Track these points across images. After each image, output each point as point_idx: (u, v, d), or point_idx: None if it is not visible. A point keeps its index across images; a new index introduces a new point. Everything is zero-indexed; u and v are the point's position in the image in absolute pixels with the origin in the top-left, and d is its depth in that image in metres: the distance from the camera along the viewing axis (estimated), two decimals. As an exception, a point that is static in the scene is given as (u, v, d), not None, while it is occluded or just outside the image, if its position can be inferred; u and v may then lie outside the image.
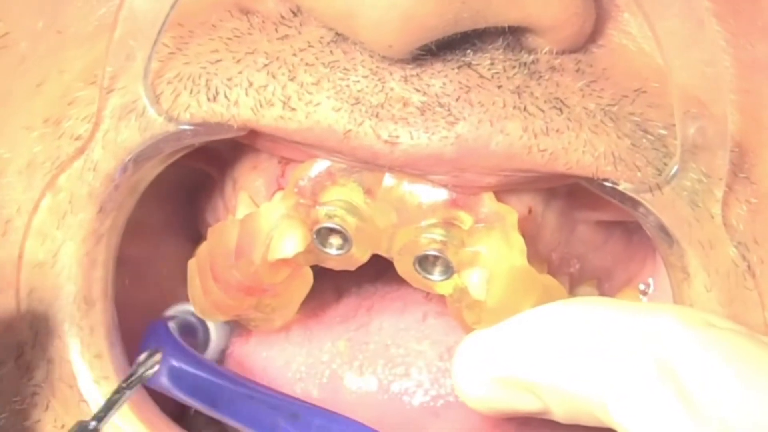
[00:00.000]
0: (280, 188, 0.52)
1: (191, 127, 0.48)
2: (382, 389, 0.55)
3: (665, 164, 0.47)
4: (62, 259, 0.51)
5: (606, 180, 0.47)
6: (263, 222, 0.51)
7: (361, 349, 0.56)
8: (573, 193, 0.52)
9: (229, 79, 0.47)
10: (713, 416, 0.41)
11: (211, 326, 0.57)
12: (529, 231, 0.51)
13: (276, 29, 0.48)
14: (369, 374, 0.55)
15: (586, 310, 0.45)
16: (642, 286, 0.57)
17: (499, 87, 0.47)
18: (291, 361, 0.56)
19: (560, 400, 0.44)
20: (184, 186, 0.58)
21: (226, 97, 0.47)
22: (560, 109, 0.47)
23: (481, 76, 0.47)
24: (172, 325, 0.54)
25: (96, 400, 0.51)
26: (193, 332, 0.57)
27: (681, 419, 0.41)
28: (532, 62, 0.47)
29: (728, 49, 0.48)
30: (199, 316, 0.56)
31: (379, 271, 0.55)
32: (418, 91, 0.47)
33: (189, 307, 0.56)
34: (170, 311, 0.57)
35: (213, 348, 0.57)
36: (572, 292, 0.55)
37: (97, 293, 0.51)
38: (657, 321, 0.43)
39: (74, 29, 0.51)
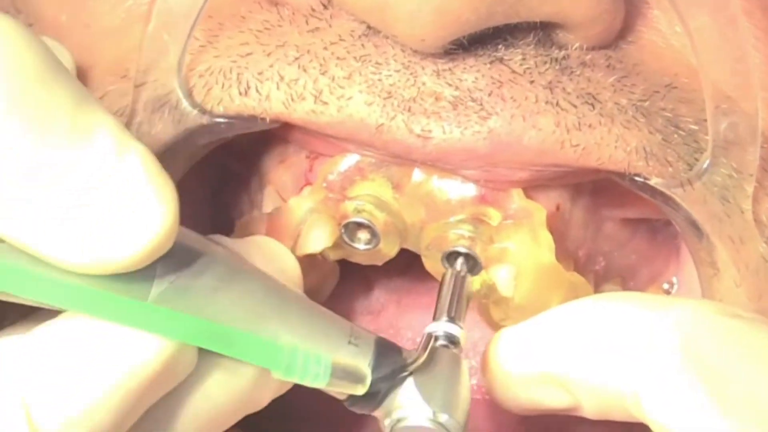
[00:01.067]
0: (308, 183, 0.52)
1: (225, 120, 0.48)
2: None
3: (696, 159, 0.47)
4: None
5: (637, 175, 0.47)
6: (291, 216, 0.51)
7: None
8: (599, 190, 0.52)
9: (260, 73, 0.48)
10: (742, 408, 0.40)
11: None
12: (556, 228, 0.51)
13: (306, 22, 0.48)
14: None
15: (616, 305, 0.45)
16: (666, 285, 0.57)
17: (531, 82, 0.47)
18: None
19: (592, 395, 0.44)
20: (208, 182, 0.59)
21: (257, 91, 0.48)
22: (592, 105, 0.47)
23: (513, 72, 0.47)
24: None
25: None
26: None
27: (708, 411, 0.41)
28: (563, 58, 0.48)
29: (758, 46, 0.48)
30: None
31: (407, 265, 0.55)
32: (450, 85, 0.47)
33: None
34: None
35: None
36: (597, 290, 0.55)
37: None
38: (684, 312, 0.43)
39: (102, 23, 0.51)
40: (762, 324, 0.43)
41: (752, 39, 0.48)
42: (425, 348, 0.45)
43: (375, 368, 0.43)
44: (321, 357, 0.42)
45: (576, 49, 0.48)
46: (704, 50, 0.46)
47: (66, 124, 0.38)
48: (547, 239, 0.50)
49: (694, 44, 0.46)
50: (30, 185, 0.38)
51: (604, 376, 0.44)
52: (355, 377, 0.42)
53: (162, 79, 0.49)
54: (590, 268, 0.55)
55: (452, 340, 0.46)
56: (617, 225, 0.55)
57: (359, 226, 0.51)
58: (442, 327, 0.46)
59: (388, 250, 0.51)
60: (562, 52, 0.48)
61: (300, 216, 0.51)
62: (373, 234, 0.51)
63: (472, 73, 0.47)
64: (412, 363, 0.44)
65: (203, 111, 0.48)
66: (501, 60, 0.47)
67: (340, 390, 0.43)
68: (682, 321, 0.43)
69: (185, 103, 0.48)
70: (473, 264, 0.50)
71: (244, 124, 0.49)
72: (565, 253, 0.52)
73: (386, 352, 0.43)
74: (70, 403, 0.38)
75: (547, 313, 0.47)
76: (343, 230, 0.51)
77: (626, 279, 0.56)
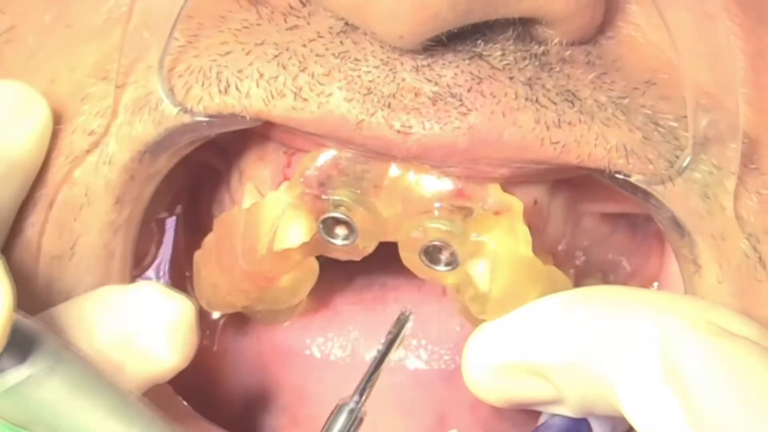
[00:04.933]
0: (286, 178, 0.52)
1: (206, 119, 0.48)
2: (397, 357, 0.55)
3: (677, 156, 0.47)
4: (80, 251, 0.51)
5: (618, 172, 0.47)
6: (268, 211, 0.51)
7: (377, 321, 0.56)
8: (578, 185, 0.52)
9: (239, 71, 0.47)
10: None
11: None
12: (534, 222, 0.51)
13: (285, 20, 0.48)
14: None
15: (596, 296, 0.45)
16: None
17: (511, 78, 0.47)
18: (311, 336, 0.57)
19: (573, 384, 0.44)
20: (190, 179, 0.59)
21: (237, 89, 0.47)
22: (572, 102, 0.47)
23: (493, 67, 0.47)
24: None
25: None
26: None
27: (682, 429, 0.41)
28: (543, 53, 0.47)
29: (737, 42, 0.48)
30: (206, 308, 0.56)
31: (388, 261, 0.55)
32: (429, 81, 0.47)
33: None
34: None
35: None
36: (577, 284, 0.54)
37: (115, 285, 0.51)
38: (670, 319, 0.43)
39: (83, 23, 0.51)
40: (751, 350, 0.42)
41: (731, 35, 0.48)
42: None
43: None
44: None
45: (555, 44, 0.48)
46: (684, 46, 0.46)
47: None
48: (524, 233, 0.49)
49: (674, 40, 0.46)
50: None
51: (583, 363, 0.43)
52: None
53: (142, 80, 0.49)
54: (570, 262, 0.55)
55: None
56: (597, 220, 0.55)
57: (337, 221, 0.51)
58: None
59: (366, 245, 0.51)
60: (542, 48, 0.48)
61: (277, 211, 0.51)
62: (351, 229, 0.51)
63: (451, 68, 0.47)
64: None
65: (184, 110, 0.48)
66: (480, 55, 0.47)
67: None
68: (669, 328, 0.42)
69: (166, 104, 0.48)
70: (450, 258, 0.50)
71: (224, 122, 0.49)
72: (543, 247, 0.52)
73: None
74: None
75: (527, 306, 0.47)
76: (320, 226, 0.51)
77: (607, 274, 0.56)
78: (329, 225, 0.51)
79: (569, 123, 0.47)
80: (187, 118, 0.48)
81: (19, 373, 0.42)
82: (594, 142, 0.47)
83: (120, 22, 0.49)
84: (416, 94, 0.47)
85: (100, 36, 0.50)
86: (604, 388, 0.43)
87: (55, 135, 0.50)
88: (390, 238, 0.51)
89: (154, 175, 0.51)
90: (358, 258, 0.52)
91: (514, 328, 0.47)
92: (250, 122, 0.48)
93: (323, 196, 0.51)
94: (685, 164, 0.47)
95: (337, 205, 0.50)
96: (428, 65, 0.47)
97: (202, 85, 0.48)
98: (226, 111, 0.48)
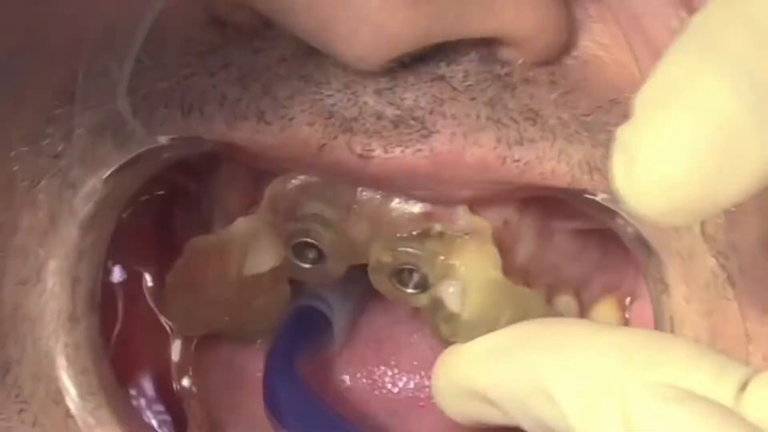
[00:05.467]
0: (256, 203, 0.52)
1: (168, 142, 0.48)
2: (369, 381, 0.55)
3: None
4: (45, 277, 0.50)
5: (583, 191, 0.47)
6: (238, 237, 0.51)
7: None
8: (549, 202, 0.52)
9: (203, 93, 0.47)
10: None
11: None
12: (505, 242, 0.51)
13: (251, 42, 0.48)
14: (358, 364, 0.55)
15: (557, 335, 0.44)
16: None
17: (473, 99, 0.46)
18: None
19: (524, 418, 0.44)
20: (162, 200, 0.58)
21: (200, 111, 0.47)
22: (534, 120, 0.46)
23: (454, 89, 0.47)
24: None
25: (82, 416, 0.51)
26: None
27: None
28: (506, 74, 0.47)
29: None
30: None
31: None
32: (391, 104, 0.46)
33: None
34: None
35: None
36: (550, 302, 0.55)
37: (81, 310, 0.51)
38: (631, 386, 0.41)
39: (51, 45, 0.51)
40: (708, 417, 0.40)
41: None
42: None
43: None
44: None
45: (520, 65, 0.47)
46: (648, 64, 0.46)
47: None
48: (494, 255, 0.49)
49: (637, 58, 0.46)
50: None
51: (536, 409, 0.43)
52: None
53: (105, 103, 0.48)
54: (542, 280, 0.54)
55: None
56: (568, 236, 0.55)
57: (306, 245, 0.51)
58: None
59: (336, 269, 0.51)
60: (505, 69, 0.47)
61: (246, 237, 0.51)
62: (321, 253, 0.51)
63: (413, 91, 0.47)
64: None
65: (146, 133, 0.48)
66: (442, 78, 0.47)
67: None
68: (627, 401, 0.41)
69: (129, 127, 0.48)
70: (421, 280, 0.50)
71: (187, 145, 0.48)
72: (514, 266, 0.52)
73: None
74: None
75: (491, 334, 0.47)
76: (290, 250, 0.51)
77: (580, 290, 0.56)
78: (299, 249, 0.51)
79: (531, 140, 0.46)
80: (149, 141, 0.48)
81: None
82: (556, 159, 0.46)
83: (86, 44, 0.48)
84: (378, 118, 0.46)
85: (67, 58, 0.50)
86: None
87: (20, 158, 0.50)
88: (361, 261, 0.51)
89: (118, 199, 0.51)
90: (328, 282, 0.52)
91: (465, 354, 0.47)
92: (212, 145, 0.48)
93: (292, 221, 0.51)
94: None
95: (306, 230, 0.50)
96: (390, 88, 0.47)
97: (165, 107, 0.48)
98: (188, 133, 0.48)
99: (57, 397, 0.51)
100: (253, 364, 0.57)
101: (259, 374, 0.56)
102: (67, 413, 0.50)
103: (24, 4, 0.52)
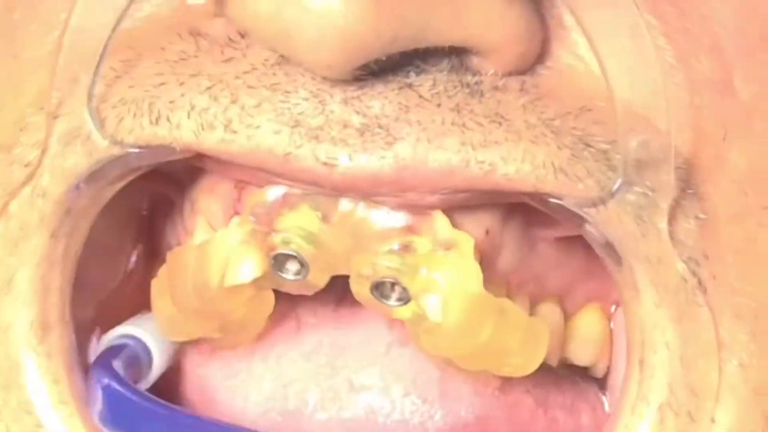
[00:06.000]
0: (237, 213, 0.52)
1: (136, 150, 0.48)
2: (344, 421, 0.55)
3: (609, 178, 0.47)
4: (17, 285, 0.51)
5: (549, 195, 0.47)
6: (219, 248, 0.51)
7: (323, 380, 0.56)
8: (530, 210, 0.52)
9: (171, 102, 0.47)
10: None
11: (154, 350, 0.56)
12: (487, 253, 0.51)
13: (222, 51, 0.48)
14: (330, 403, 0.55)
15: None
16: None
17: (438, 105, 0.46)
18: (252, 387, 0.56)
19: None
20: (146, 208, 0.58)
21: (168, 120, 0.47)
22: (499, 123, 0.46)
23: (421, 96, 0.47)
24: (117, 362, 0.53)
25: (55, 426, 0.51)
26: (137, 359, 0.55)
27: None
28: (476, 83, 0.47)
29: (678, 66, 0.48)
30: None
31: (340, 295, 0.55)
32: (357, 113, 0.46)
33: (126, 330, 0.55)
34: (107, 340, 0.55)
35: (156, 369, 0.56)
36: (533, 310, 0.55)
37: (53, 319, 0.51)
38: None
39: (29, 53, 0.51)
40: None
41: (670, 59, 0.48)
42: None
43: None
44: None
45: (491, 75, 0.47)
46: (616, 71, 0.46)
47: None
48: (475, 269, 0.49)
49: (603, 65, 0.46)
50: None
51: None
52: None
53: (74, 112, 0.49)
54: (524, 289, 0.54)
55: None
56: (551, 244, 0.54)
57: (288, 257, 0.51)
58: None
59: (318, 280, 0.51)
60: (476, 78, 0.47)
61: (227, 248, 0.51)
62: (302, 265, 0.51)
63: (380, 99, 0.47)
64: None
65: (114, 142, 0.48)
66: (410, 86, 0.47)
67: None
68: None
69: (96, 135, 0.48)
70: (402, 293, 0.50)
71: (155, 153, 0.49)
72: (497, 276, 0.52)
73: None
74: None
75: None
76: (272, 261, 0.51)
77: (563, 298, 0.56)
78: (280, 260, 0.51)
79: (495, 142, 0.46)
80: (117, 150, 0.48)
81: None
82: (521, 159, 0.46)
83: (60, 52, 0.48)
84: (344, 126, 0.46)
85: (44, 66, 0.50)
86: None
87: None
88: (342, 272, 0.51)
89: (90, 208, 0.51)
90: (310, 293, 0.52)
91: None
92: (180, 154, 0.48)
93: (273, 232, 0.50)
94: (616, 186, 0.47)
95: (287, 242, 0.50)
96: (357, 97, 0.47)
97: (134, 116, 0.48)
98: (156, 142, 0.48)
99: (29, 407, 0.51)
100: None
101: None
102: (39, 423, 0.51)
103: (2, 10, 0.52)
